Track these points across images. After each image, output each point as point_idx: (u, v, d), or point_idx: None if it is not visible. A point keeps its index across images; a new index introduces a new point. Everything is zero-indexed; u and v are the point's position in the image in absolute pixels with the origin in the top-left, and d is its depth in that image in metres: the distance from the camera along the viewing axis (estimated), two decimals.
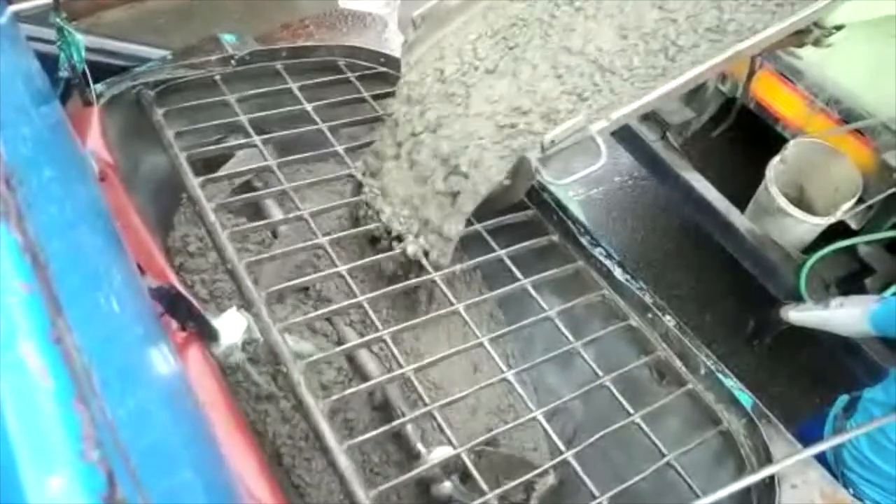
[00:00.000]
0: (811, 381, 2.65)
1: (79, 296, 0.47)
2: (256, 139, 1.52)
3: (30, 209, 0.43)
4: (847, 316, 1.68)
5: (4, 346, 0.35)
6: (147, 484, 0.43)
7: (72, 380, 0.35)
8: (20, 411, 0.33)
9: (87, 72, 1.42)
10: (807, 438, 1.25)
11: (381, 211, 1.40)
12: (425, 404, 1.15)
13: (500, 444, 1.41)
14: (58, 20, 1.31)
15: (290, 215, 1.41)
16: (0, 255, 0.38)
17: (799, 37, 1.59)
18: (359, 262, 1.35)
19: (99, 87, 1.51)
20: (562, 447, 1.14)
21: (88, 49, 1.38)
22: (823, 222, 2.24)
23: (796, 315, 1.88)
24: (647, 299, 1.39)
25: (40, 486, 0.33)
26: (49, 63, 1.28)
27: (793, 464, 1.15)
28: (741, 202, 2.45)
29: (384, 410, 1.44)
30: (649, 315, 1.38)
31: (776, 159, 2.29)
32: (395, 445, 1.41)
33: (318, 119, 1.58)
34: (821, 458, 1.24)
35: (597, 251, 1.47)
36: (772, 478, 1.14)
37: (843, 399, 1.71)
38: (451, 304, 1.28)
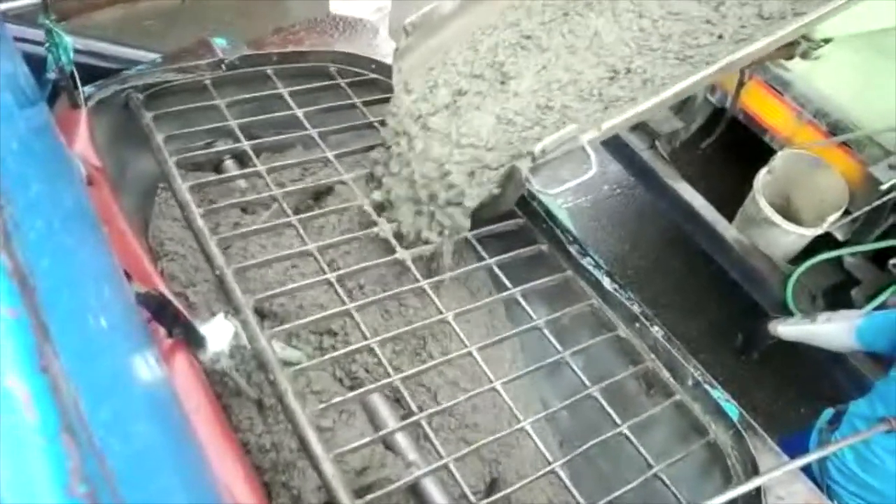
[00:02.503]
0: (797, 392, 2.66)
1: (67, 316, 0.46)
2: (246, 144, 1.51)
3: (17, 229, 0.42)
4: (834, 331, 1.70)
5: None
6: (131, 498, 0.42)
7: (58, 411, 0.34)
8: (2, 444, 0.32)
9: (76, 74, 1.41)
10: (792, 450, 1.26)
11: (374, 220, 1.39)
12: (413, 413, 1.15)
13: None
14: (46, 21, 1.30)
15: (280, 221, 1.40)
16: None
17: (787, 49, 1.61)
18: (350, 270, 1.34)
19: (87, 89, 1.50)
20: (549, 457, 1.14)
21: (77, 51, 1.37)
22: (810, 233, 2.26)
23: (784, 329, 1.90)
24: (636, 309, 1.39)
25: None
26: (36, 64, 1.26)
27: (779, 476, 1.16)
28: (729, 212, 2.46)
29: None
30: (637, 325, 1.38)
31: (764, 170, 2.31)
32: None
33: (307, 125, 1.57)
34: (806, 470, 1.25)
35: (585, 261, 1.47)
36: (758, 489, 1.15)
37: (829, 412, 1.72)
38: (441, 312, 1.28)
